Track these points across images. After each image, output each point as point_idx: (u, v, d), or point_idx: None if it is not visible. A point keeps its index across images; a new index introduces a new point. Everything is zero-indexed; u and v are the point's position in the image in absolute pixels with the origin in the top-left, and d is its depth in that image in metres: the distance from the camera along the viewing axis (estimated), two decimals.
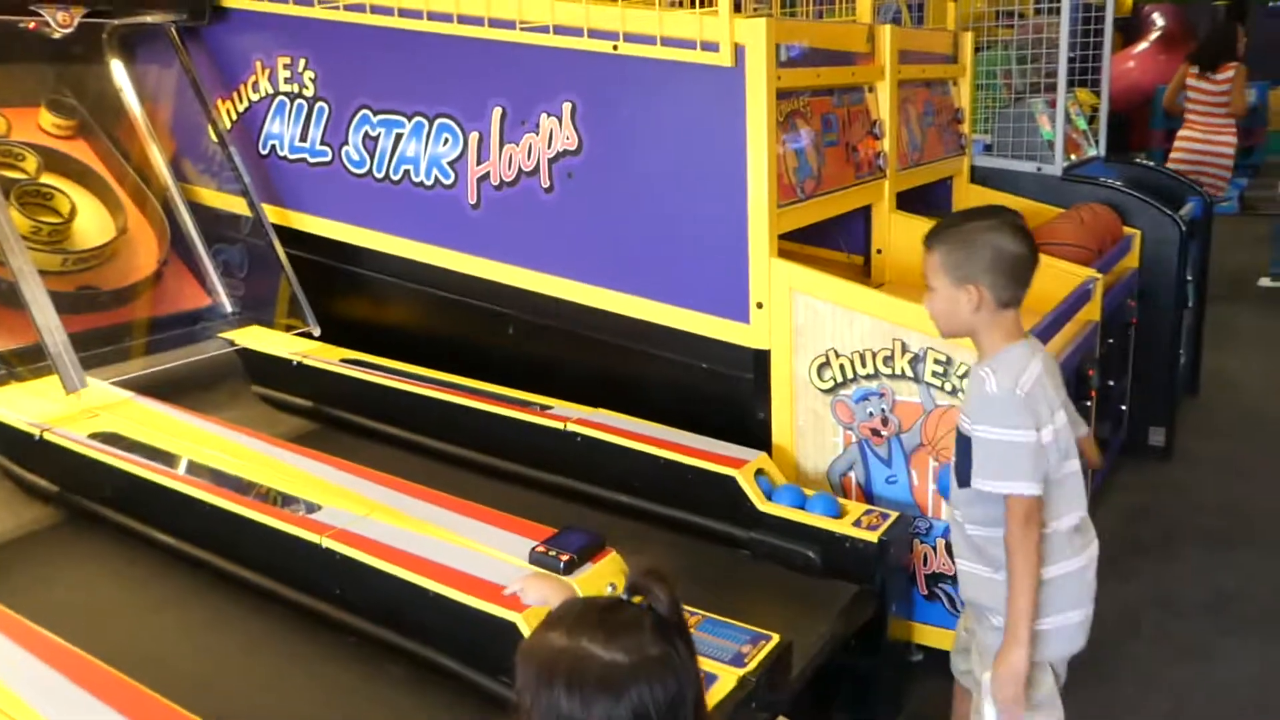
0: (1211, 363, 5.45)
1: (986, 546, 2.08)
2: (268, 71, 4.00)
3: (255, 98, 4.07)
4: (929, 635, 2.88)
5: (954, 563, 2.26)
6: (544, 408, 3.20)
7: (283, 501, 2.57)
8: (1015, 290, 2.06)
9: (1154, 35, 13.08)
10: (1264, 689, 2.90)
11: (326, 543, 2.35)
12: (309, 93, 3.90)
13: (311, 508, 2.52)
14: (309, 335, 3.90)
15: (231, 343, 3.86)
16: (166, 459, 2.83)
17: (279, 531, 2.45)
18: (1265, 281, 7.67)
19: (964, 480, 2.07)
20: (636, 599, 1.27)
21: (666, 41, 2.99)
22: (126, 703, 1.81)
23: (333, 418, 3.58)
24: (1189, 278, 4.58)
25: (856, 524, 2.65)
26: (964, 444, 2.07)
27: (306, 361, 3.64)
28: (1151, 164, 5.61)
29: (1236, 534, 3.82)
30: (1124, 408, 4.36)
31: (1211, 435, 4.79)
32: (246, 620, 2.43)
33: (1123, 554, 3.66)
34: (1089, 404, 3.43)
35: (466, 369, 3.49)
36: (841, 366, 2.86)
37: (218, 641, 2.36)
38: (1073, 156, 4.69)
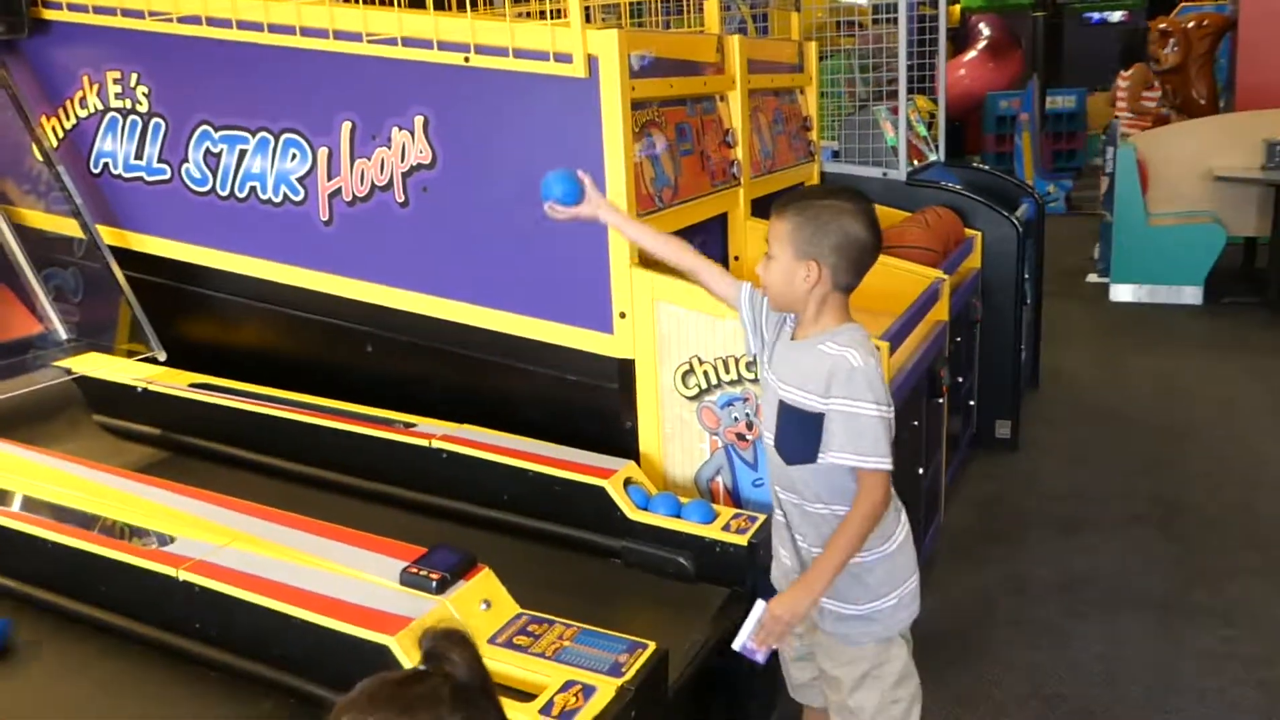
0: (1049, 357, 5.72)
1: (836, 524, 2.03)
2: (96, 87, 3.82)
3: (84, 114, 3.88)
4: None
5: (791, 551, 2.17)
6: (407, 425, 3.13)
7: (133, 535, 2.45)
8: (853, 277, 2.05)
9: (981, 44, 13.72)
10: (1112, 664, 3.05)
11: (184, 575, 2.25)
12: (143, 108, 3.74)
13: (165, 540, 2.40)
14: (154, 360, 3.73)
15: (68, 371, 3.67)
16: (2, 498, 2.66)
17: (131, 567, 2.33)
18: (1093, 277, 8.10)
19: (805, 457, 2.03)
20: (438, 668, 1.23)
21: (519, 53, 2.97)
22: None
23: (184, 445, 3.43)
24: (1026, 276, 4.80)
25: (726, 528, 2.68)
26: (803, 419, 2.02)
27: (153, 388, 3.48)
28: (987, 168, 5.86)
29: (1081, 519, 4.01)
30: (972, 403, 4.54)
31: (1054, 426, 5.02)
32: (102, 664, 2.29)
33: (977, 542, 3.80)
34: (941, 401, 3.55)
35: (324, 390, 3.39)
36: (705, 373, 2.89)
37: (72, 690, 2.23)
38: (915, 162, 4.86)
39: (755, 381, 2.84)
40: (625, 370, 3.01)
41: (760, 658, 2.04)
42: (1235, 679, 2.96)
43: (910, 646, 2.19)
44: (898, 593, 2.12)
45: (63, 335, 3.89)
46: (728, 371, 2.86)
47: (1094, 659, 3.08)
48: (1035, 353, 5.51)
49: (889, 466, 1.98)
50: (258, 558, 2.30)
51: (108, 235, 3.85)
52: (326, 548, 2.35)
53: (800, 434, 2.04)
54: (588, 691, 1.99)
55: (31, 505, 2.63)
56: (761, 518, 2.73)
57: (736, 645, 2.05)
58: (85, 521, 2.53)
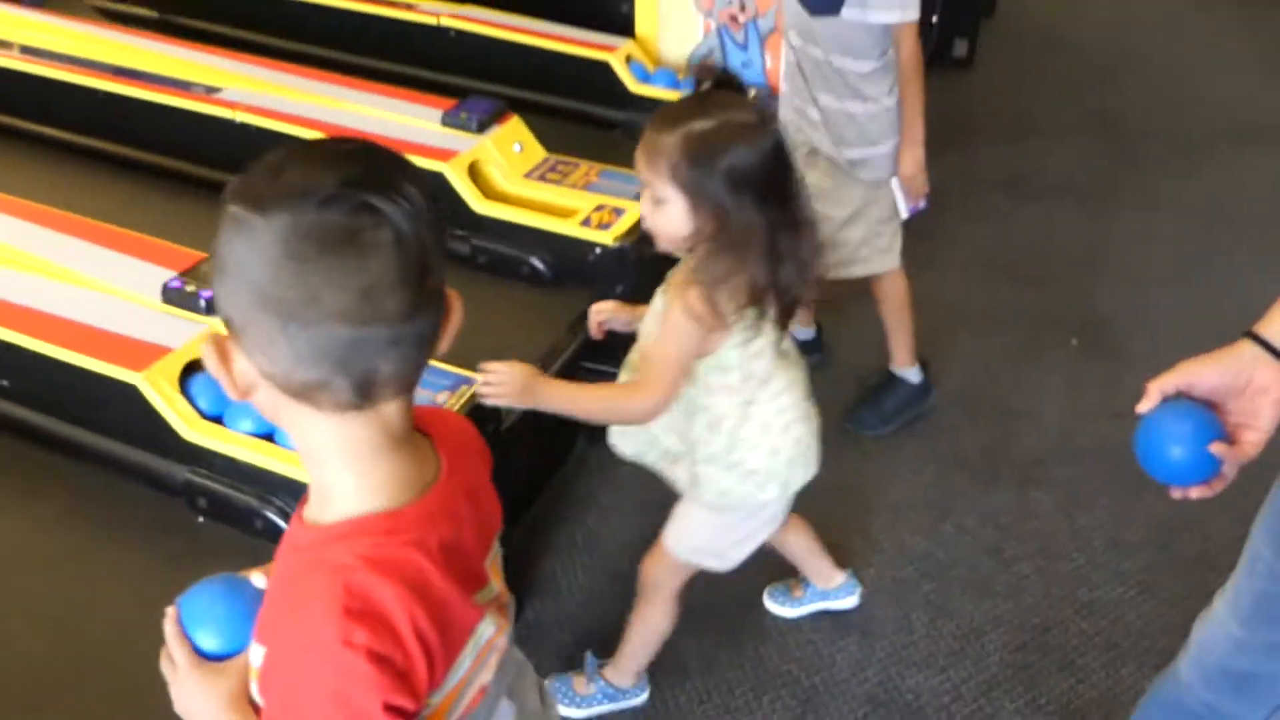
0: None
1: (855, 81, 2.27)
2: None
3: None
4: None
5: (810, 103, 2.34)
6: (409, 5, 3.25)
7: (180, 86, 2.63)
8: None
9: None
10: (1048, 239, 3.45)
11: (241, 117, 2.46)
12: None
13: (212, 90, 2.59)
14: None
15: None
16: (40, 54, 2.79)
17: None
18: None
19: (828, 8, 2.18)
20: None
21: None
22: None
23: (181, 28, 3.51)
24: None
25: None
26: None
27: None
28: None
29: (1028, 128, 4.32)
30: (934, 19, 4.70)
31: (1007, 49, 5.22)
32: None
33: (930, 144, 4.09)
34: None
35: None
36: None
37: None
38: None
39: None
40: None
41: (924, 206, 2.43)
42: (1158, 252, 3.39)
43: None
44: (891, 142, 2.38)
45: None
46: None
47: (1031, 236, 3.48)
48: None
49: (916, 16, 2.18)
50: (304, 103, 2.51)
51: None
52: (368, 99, 2.56)
53: None
54: (618, 212, 2.30)
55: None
56: (752, 91, 2.98)
57: (904, 215, 2.39)
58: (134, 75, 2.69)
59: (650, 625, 1.85)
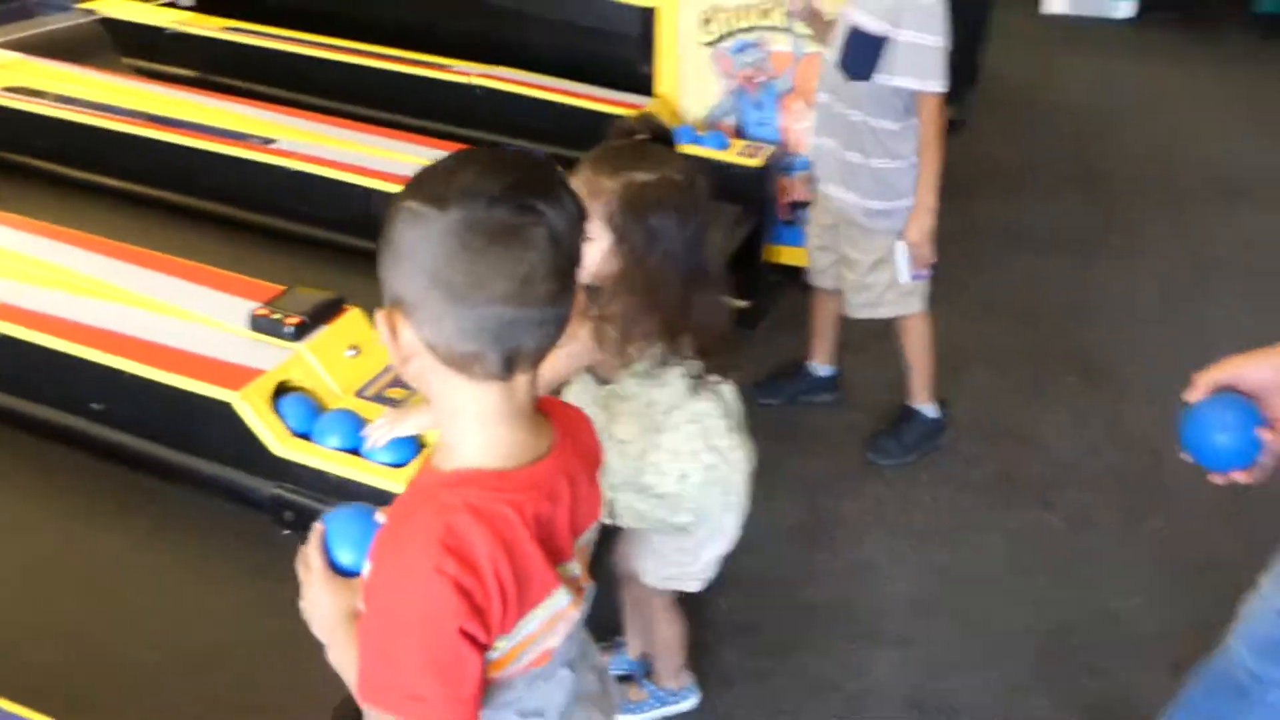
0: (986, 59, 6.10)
1: (885, 139, 2.45)
2: None
3: None
4: (786, 255, 3.40)
5: (843, 155, 2.52)
6: (442, 66, 3.43)
7: (233, 137, 2.78)
8: None
9: None
10: (1038, 283, 3.65)
11: (296, 165, 2.62)
12: None
13: (268, 140, 2.75)
14: (174, 4, 3.89)
15: (92, 12, 3.82)
16: (100, 108, 2.94)
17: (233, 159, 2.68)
18: None
19: (861, 74, 2.40)
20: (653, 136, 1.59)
21: None
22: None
23: (222, 87, 3.66)
24: None
25: (741, 154, 3.11)
26: (867, 41, 2.37)
27: (184, 30, 3.67)
28: None
29: (1019, 185, 4.55)
30: None
31: (993, 116, 5.47)
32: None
33: None
34: None
35: (351, 33, 3.63)
36: (725, 19, 3.22)
37: None
38: None
39: (768, 29, 3.19)
40: (647, 19, 3.32)
41: (925, 275, 2.59)
42: (1144, 297, 3.59)
43: None
44: (912, 198, 2.55)
45: None
46: (743, 19, 3.19)
47: (1025, 283, 3.67)
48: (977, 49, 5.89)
49: (942, 89, 2.38)
50: (350, 153, 2.67)
51: None
52: (412, 149, 2.72)
53: (862, 53, 2.38)
54: None
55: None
56: (770, 147, 3.17)
57: (907, 279, 2.55)
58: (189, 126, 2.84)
59: (659, 633, 1.97)
